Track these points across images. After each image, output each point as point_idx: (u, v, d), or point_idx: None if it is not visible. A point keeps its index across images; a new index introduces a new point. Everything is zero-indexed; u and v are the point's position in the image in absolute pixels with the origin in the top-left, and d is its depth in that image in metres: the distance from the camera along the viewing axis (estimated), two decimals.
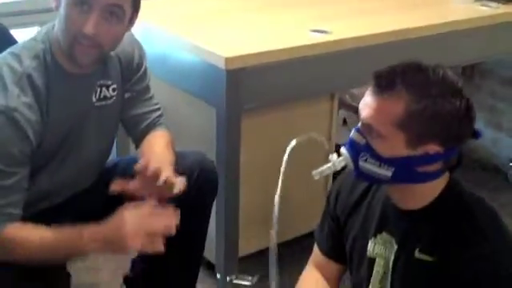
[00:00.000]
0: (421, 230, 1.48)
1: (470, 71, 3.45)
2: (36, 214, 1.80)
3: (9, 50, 1.78)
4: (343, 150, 1.48)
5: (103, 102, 1.90)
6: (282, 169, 1.55)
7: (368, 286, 1.59)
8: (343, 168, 1.53)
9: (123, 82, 1.95)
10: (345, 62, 2.51)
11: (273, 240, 1.57)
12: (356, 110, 3.35)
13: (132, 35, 1.96)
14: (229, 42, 2.36)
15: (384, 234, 1.55)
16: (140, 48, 2.01)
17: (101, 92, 1.88)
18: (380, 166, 1.43)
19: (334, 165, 1.51)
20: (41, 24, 2.77)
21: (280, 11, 2.80)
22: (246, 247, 2.54)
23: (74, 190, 1.96)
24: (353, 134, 1.46)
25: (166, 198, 1.76)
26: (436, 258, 1.45)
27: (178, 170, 1.84)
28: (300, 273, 1.80)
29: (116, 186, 1.75)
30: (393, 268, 1.53)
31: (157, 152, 1.91)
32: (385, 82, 1.39)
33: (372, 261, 1.57)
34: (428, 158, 1.42)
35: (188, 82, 2.45)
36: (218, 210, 2.32)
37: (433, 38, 2.65)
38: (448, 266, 1.42)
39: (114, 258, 2.51)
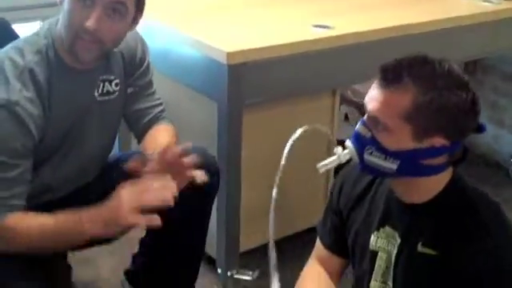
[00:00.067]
0: (424, 223, 1.48)
1: (472, 67, 3.45)
2: (39, 207, 1.80)
3: (11, 44, 1.78)
4: (348, 142, 1.48)
5: (106, 97, 1.90)
6: (285, 154, 1.54)
7: (370, 279, 1.59)
8: (346, 162, 1.53)
9: (126, 77, 1.95)
10: (347, 57, 2.51)
11: (271, 227, 1.56)
12: (358, 106, 3.38)
13: (135, 30, 1.96)
14: (231, 36, 2.35)
15: (387, 228, 1.55)
16: (143, 43, 2.01)
17: (103, 87, 1.88)
18: (385, 158, 1.43)
19: (339, 158, 1.51)
20: (43, 19, 2.77)
21: (282, 6, 2.79)
22: (246, 242, 2.54)
23: (76, 184, 1.96)
24: (358, 127, 1.46)
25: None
26: (439, 252, 1.45)
27: None
28: (301, 268, 1.80)
29: (133, 164, 1.74)
30: (395, 262, 1.53)
31: (164, 143, 1.91)
32: (391, 75, 1.39)
33: (374, 254, 1.58)
34: (434, 151, 1.42)
35: (190, 76, 2.45)
36: (219, 205, 2.33)
37: (435, 34, 2.65)
38: (451, 261, 1.42)
39: (115, 253, 2.52)
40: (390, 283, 1.55)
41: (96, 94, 1.87)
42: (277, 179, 1.56)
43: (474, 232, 1.43)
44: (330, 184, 2.69)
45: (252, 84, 2.28)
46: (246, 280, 2.49)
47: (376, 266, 1.58)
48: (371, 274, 1.59)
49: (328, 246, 1.75)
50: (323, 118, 2.59)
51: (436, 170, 1.45)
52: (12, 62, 1.71)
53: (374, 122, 1.42)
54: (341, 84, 2.71)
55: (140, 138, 2.04)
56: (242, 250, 2.52)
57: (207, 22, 2.55)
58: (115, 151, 2.22)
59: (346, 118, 3.28)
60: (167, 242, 2.10)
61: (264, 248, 2.64)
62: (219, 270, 2.49)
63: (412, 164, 1.43)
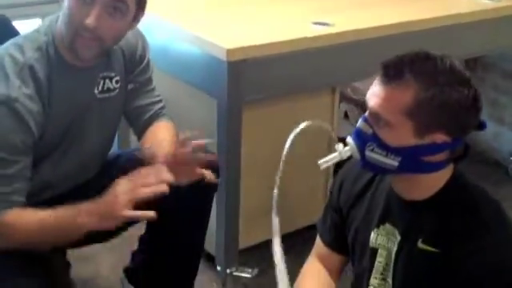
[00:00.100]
0: (424, 220, 1.48)
1: (472, 64, 3.45)
2: (39, 204, 1.80)
3: (12, 40, 1.78)
4: (349, 139, 1.48)
5: (106, 94, 1.90)
6: (286, 147, 1.54)
7: (370, 276, 1.59)
8: (347, 159, 1.53)
9: (126, 74, 1.95)
10: (347, 54, 2.51)
11: (274, 216, 1.56)
12: (357, 104, 3.38)
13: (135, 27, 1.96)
14: (230, 33, 2.35)
15: (387, 225, 1.55)
16: (143, 40, 2.01)
17: (104, 84, 1.88)
18: (387, 155, 1.43)
19: (340, 154, 1.51)
20: (43, 16, 2.77)
21: (282, 3, 2.79)
22: (246, 240, 2.55)
23: (76, 182, 1.96)
24: (360, 123, 1.46)
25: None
26: (439, 249, 1.45)
27: None
28: (301, 265, 1.80)
29: (146, 152, 1.74)
30: (395, 259, 1.53)
31: (167, 140, 1.91)
32: (393, 72, 1.39)
33: (374, 251, 1.58)
34: (435, 148, 1.42)
35: (190, 73, 2.45)
36: (218, 203, 2.32)
37: (435, 31, 2.64)
38: (451, 258, 1.42)
39: (115, 250, 2.52)
40: (390, 280, 1.55)
41: (96, 91, 1.87)
42: (279, 172, 1.55)
43: (475, 229, 1.43)
44: (330, 182, 2.69)
45: (252, 81, 2.28)
46: (245, 277, 2.49)
47: (376, 263, 1.58)
48: (371, 271, 1.59)
49: (328, 244, 1.75)
50: (323, 115, 2.59)
51: (437, 166, 1.45)
52: (12, 58, 1.71)
53: (375, 118, 1.42)
54: (340, 81, 2.70)
55: (140, 134, 2.04)
56: (241, 247, 2.52)
57: (207, 18, 2.54)
58: (114, 149, 2.22)
59: (346, 115, 3.28)
60: (167, 239, 2.10)
61: (263, 245, 2.65)
62: (218, 268, 2.50)
63: (413, 160, 1.43)
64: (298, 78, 2.42)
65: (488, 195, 1.51)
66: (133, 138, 2.23)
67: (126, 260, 2.25)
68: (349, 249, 1.68)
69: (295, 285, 1.75)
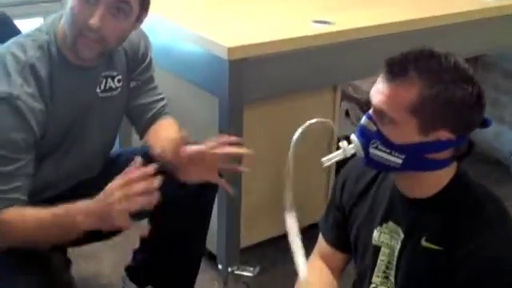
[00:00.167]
0: (428, 219, 1.48)
1: (473, 64, 3.45)
2: (40, 203, 1.80)
3: (14, 39, 1.79)
4: (353, 137, 1.48)
5: (108, 94, 1.90)
6: (292, 145, 1.54)
7: (372, 274, 1.59)
8: (350, 157, 1.53)
9: (128, 73, 1.95)
10: (348, 53, 2.51)
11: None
12: (359, 102, 3.37)
13: None
14: (232, 32, 2.35)
15: (390, 224, 1.55)
16: (145, 39, 2.01)
17: (106, 83, 1.88)
18: (391, 153, 1.43)
19: (344, 152, 1.51)
20: (44, 14, 2.77)
21: (283, 2, 2.79)
22: (247, 239, 2.55)
23: (78, 181, 1.96)
24: (363, 120, 1.46)
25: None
26: (442, 248, 1.45)
27: None
28: None
29: (156, 150, 1.75)
30: (398, 257, 1.53)
31: (176, 139, 1.91)
32: (397, 69, 1.40)
33: (377, 249, 1.58)
34: (439, 145, 1.42)
35: (191, 72, 2.45)
36: (219, 202, 2.33)
37: (436, 30, 2.65)
38: (454, 256, 1.42)
39: (116, 248, 2.52)
40: (392, 278, 1.55)
41: (98, 90, 1.87)
42: (289, 165, 1.55)
43: (478, 228, 1.43)
44: (332, 180, 2.69)
45: (253, 80, 2.29)
46: (246, 276, 2.49)
47: (378, 261, 1.58)
48: (373, 269, 1.59)
49: (330, 242, 1.75)
50: (324, 113, 2.59)
51: (441, 164, 1.45)
52: (14, 57, 1.71)
53: (379, 115, 1.42)
54: (342, 80, 2.71)
55: (142, 133, 2.04)
56: (242, 246, 2.53)
57: (208, 17, 2.55)
58: (116, 147, 2.22)
59: (347, 114, 3.28)
60: (168, 238, 2.10)
61: (264, 244, 2.65)
62: (220, 266, 2.50)
63: (417, 158, 1.43)
64: (299, 76, 2.42)
65: (490, 193, 1.51)
66: (134, 136, 2.23)
67: (128, 258, 2.25)
68: (351, 247, 1.68)
69: (297, 283, 1.75)
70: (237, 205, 2.42)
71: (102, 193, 1.60)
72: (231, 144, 1.84)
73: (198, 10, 2.63)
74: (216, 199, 2.18)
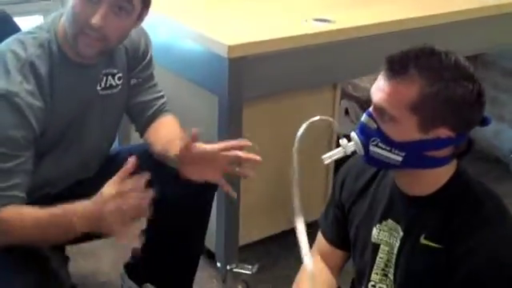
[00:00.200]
0: (427, 216, 1.48)
1: (472, 62, 3.44)
2: (39, 200, 1.80)
3: (14, 36, 1.79)
4: (353, 134, 1.48)
5: (109, 91, 1.90)
6: (296, 142, 1.53)
7: (371, 272, 1.59)
8: (350, 155, 1.53)
9: (129, 71, 1.95)
10: (348, 51, 2.51)
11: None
12: (358, 101, 3.37)
13: None
14: (232, 30, 2.35)
15: (389, 221, 1.55)
16: (146, 36, 2.01)
17: (106, 81, 1.88)
18: (391, 150, 1.43)
19: (344, 149, 1.51)
20: (44, 12, 2.78)
21: (283, 0, 2.79)
22: (246, 236, 2.55)
23: (77, 178, 1.96)
24: (364, 118, 1.46)
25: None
26: (442, 245, 1.45)
27: None
28: (302, 262, 1.80)
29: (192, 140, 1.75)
30: (397, 255, 1.53)
31: (180, 137, 1.91)
32: (398, 66, 1.40)
33: (376, 247, 1.58)
34: (439, 143, 1.42)
35: (191, 70, 2.45)
36: (218, 200, 2.32)
37: (435, 28, 2.65)
38: (453, 254, 1.43)
39: (115, 246, 2.52)
40: (391, 276, 1.56)
41: (98, 87, 1.87)
42: (294, 162, 1.54)
43: (477, 226, 1.43)
44: (331, 178, 2.69)
45: (253, 78, 2.29)
46: (245, 274, 2.49)
47: (377, 258, 1.58)
48: (372, 266, 1.59)
49: (330, 240, 1.75)
50: (324, 112, 2.56)
51: (441, 162, 1.46)
52: (14, 54, 1.71)
53: (380, 112, 1.42)
54: (341, 78, 2.71)
55: (143, 130, 2.04)
56: (241, 243, 2.53)
57: (208, 15, 2.55)
58: (115, 145, 2.22)
59: (347, 112, 3.28)
60: (167, 236, 2.10)
61: (263, 242, 2.65)
62: (219, 264, 2.50)
63: (417, 156, 1.43)
64: (299, 74, 2.42)
65: (490, 191, 1.51)
66: (134, 134, 2.23)
67: (127, 256, 2.25)
68: (350, 245, 1.68)
69: (295, 281, 1.76)
70: (235, 203, 2.42)
71: (98, 195, 1.59)
72: (241, 147, 1.82)
73: (197, 8, 2.63)
74: (215, 197, 2.18)
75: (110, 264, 2.55)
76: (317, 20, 2.47)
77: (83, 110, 1.86)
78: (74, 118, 1.84)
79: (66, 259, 2.26)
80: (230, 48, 2.19)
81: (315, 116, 1.55)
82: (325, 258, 1.75)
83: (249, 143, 1.80)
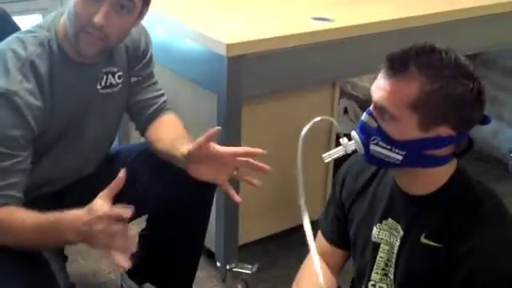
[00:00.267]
0: (428, 215, 1.48)
1: (471, 61, 3.44)
2: (39, 198, 1.80)
3: (15, 35, 1.78)
4: (354, 133, 1.48)
5: (109, 90, 1.89)
6: (300, 142, 1.53)
7: (371, 271, 1.59)
8: (350, 154, 1.53)
9: (129, 69, 1.95)
10: (346, 50, 2.51)
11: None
12: (357, 100, 3.36)
13: None
14: (230, 29, 2.35)
15: (390, 220, 1.55)
16: (146, 34, 2.01)
17: (107, 80, 1.88)
18: (391, 149, 1.43)
19: (344, 148, 1.51)
20: (43, 11, 2.77)
21: None
22: (245, 236, 2.55)
23: (77, 177, 1.96)
24: (364, 117, 1.46)
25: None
26: (441, 244, 1.45)
27: None
28: (301, 260, 1.80)
29: (208, 137, 1.73)
30: (397, 254, 1.53)
31: (185, 136, 1.90)
32: (398, 64, 1.40)
33: (376, 246, 1.58)
34: (440, 141, 1.42)
35: (190, 69, 2.45)
36: (218, 199, 2.32)
37: (435, 27, 2.64)
38: (453, 253, 1.42)
39: None
40: (391, 275, 1.56)
41: (99, 86, 1.87)
42: (298, 163, 1.54)
43: (477, 225, 1.43)
44: (330, 178, 2.69)
45: (252, 76, 2.28)
46: (245, 273, 2.49)
47: (377, 258, 1.58)
48: (372, 266, 1.59)
49: (330, 240, 1.75)
50: (323, 110, 2.58)
51: (441, 161, 1.45)
52: (14, 53, 1.70)
53: (380, 111, 1.42)
54: (340, 77, 2.70)
55: (144, 129, 2.02)
56: (240, 243, 2.53)
57: (207, 14, 2.54)
58: (115, 144, 2.21)
59: (346, 111, 3.28)
60: (167, 235, 2.10)
61: (263, 241, 2.65)
62: (218, 264, 2.50)
63: (417, 154, 1.43)
64: (298, 73, 2.42)
65: (489, 191, 1.51)
66: (133, 133, 2.23)
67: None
68: (350, 244, 1.68)
69: (295, 280, 1.75)
70: (235, 202, 2.41)
71: (88, 209, 1.54)
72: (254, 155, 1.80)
73: (196, 7, 2.62)
74: (214, 197, 2.18)
75: (110, 264, 2.54)
76: (316, 19, 2.47)
77: (83, 109, 1.86)
78: (74, 118, 1.84)
79: (65, 258, 2.26)
80: (229, 46, 2.18)
81: (314, 114, 1.55)
82: (325, 257, 1.74)
83: (262, 151, 1.77)
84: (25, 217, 1.63)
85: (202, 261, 2.31)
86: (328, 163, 2.43)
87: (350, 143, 1.49)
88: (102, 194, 1.55)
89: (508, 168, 3.44)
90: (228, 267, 2.48)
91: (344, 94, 3.18)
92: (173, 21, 2.49)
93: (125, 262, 1.51)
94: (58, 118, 1.78)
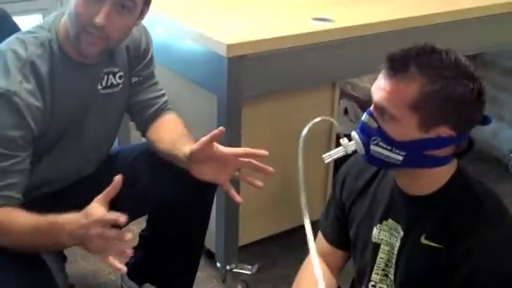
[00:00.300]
0: (428, 216, 1.48)
1: (472, 61, 3.44)
2: (38, 199, 1.79)
3: (15, 35, 1.78)
4: (354, 133, 1.48)
5: (110, 90, 1.89)
6: (301, 142, 1.53)
7: (372, 272, 1.59)
8: (350, 155, 1.53)
9: (130, 69, 1.95)
10: (347, 50, 2.51)
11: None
12: (357, 100, 3.37)
13: None
14: (230, 29, 2.35)
15: (390, 221, 1.55)
16: (147, 34, 2.01)
17: (107, 80, 1.88)
18: (392, 149, 1.43)
19: (344, 148, 1.50)
20: (43, 11, 2.77)
21: None
22: (246, 236, 2.55)
23: (77, 177, 1.96)
24: (364, 117, 1.46)
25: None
26: (442, 245, 1.45)
27: None
28: (301, 261, 1.80)
29: (213, 137, 1.72)
30: (398, 255, 1.53)
31: (186, 136, 1.90)
32: (398, 65, 1.39)
33: (377, 246, 1.58)
34: (440, 142, 1.42)
35: (190, 69, 2.45)
36: (218, 199, 2.32)
37: (435, 28, 2.64)
38: (453, 254, 1.42)
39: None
40: (392, 276, 1.56)
41: (99, 87, 1.87)
42: (300, 163, 1.54)
43: (477, 225, 1.43)
44: (330, 178, 2.69)
45: (251, 77, 2.28)
46: (245, 274, 2.49)
47: (378, 258, 1.58)
48: (373, 266, 1.59)
49: (330, 241, 1.75)
50: (323, 111, 2.58)
51: (441, 161, 1.45)
52: (15, 53, 1.70)
53: (380, 111, 1.42)
54: (340, 77, 2.70)
55: (145, 129, 2.02)
56: (241, 244, 2.53)
57: (207, 14, 2.54)
58: (115, 144, 2.21)
59: (346, 112, 3.28)
60: (167, 235, 2.10)
61: (263, 242, 2.65)
62: (218, 264, 2.50)
63: (418, 155, 1.43)
64: (299, 73, 2.41)
65: (490, 191, 1.51)
66: (134, 133, 2.22)
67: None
68: (350, 244, 1.68)
69: (295, 280, 1.75)
70: (235, 203, 2.41)
71: (84, 214, 1.54)
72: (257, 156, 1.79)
73: (196, 7, 2.62)
74: (215, 198, 2.18)
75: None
76: (316, 19, 2.47)
77: (84, 110, 1.86)
78: (74, 118, 1.84)
79: (64, 259, 2.26)
80: (229, 47, 2.18)
81: (314, 115, 1.55)
82: (325, 258, 1.74)
83: (266, 153, 1.77)
84: (23, 218, 1.63)
85: (202, 261, 2.31)
86: (328, 164, 2.44)
87: (351, 144, 1.49)
88: (98, 197, 1.55)
89: (508, 168, 3.44)
90: (228, 268, 2.48)
91: (344, 94, 3.18)
92: (173, 21, 2.49)
93: (120, 266, 1.51)
94: (58, 119, 1.78)
